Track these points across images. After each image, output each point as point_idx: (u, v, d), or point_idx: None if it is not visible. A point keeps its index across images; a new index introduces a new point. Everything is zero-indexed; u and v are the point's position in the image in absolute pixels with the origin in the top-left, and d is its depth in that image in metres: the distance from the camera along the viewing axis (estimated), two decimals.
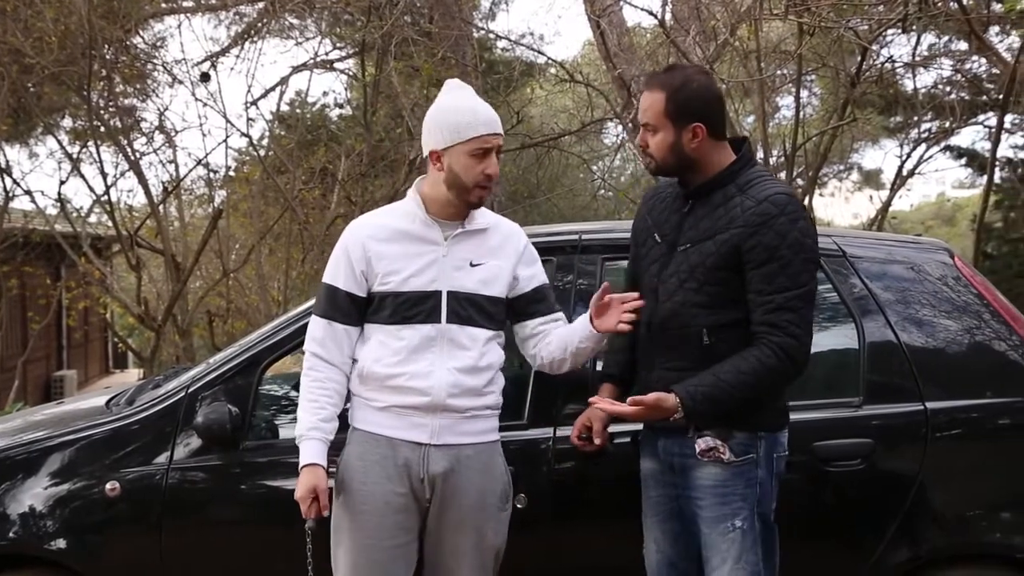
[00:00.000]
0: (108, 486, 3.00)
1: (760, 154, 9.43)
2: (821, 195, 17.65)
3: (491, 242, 2.85)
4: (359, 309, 2.79)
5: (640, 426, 2.86)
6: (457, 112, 2.74)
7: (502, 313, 2.86)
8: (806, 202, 9.78)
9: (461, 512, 2.75)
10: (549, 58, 11.31)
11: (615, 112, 9.50)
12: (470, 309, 2.76)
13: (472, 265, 2.79)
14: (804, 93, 10.25)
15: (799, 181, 9.29)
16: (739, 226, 2.56)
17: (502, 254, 2.85)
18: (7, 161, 10.85)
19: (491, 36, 12.47)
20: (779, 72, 9.77)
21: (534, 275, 2.91)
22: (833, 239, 3.30)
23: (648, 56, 9.82)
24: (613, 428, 2.92)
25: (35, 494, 3.02)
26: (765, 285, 2.54)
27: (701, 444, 2.60)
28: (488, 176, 2.74)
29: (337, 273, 2.80)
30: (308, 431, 2.72)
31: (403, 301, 2.73)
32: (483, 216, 2.87)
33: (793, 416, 2.80)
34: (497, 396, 2.85)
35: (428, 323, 2.73)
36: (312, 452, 2.69)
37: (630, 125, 9.43)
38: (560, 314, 2.94)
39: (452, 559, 2.76)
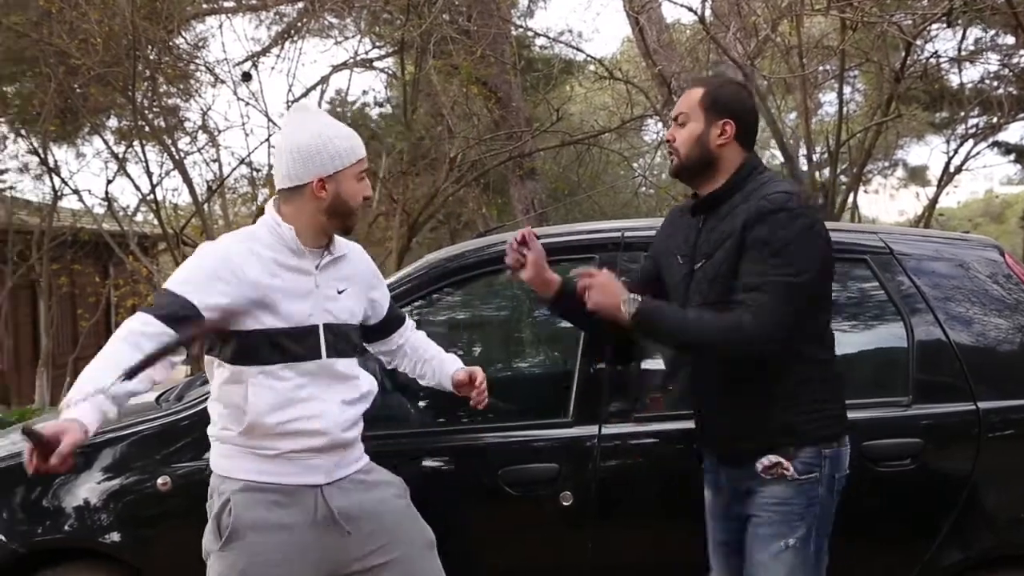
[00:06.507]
0: (160, 481, 3.03)
1: (803, 151, 9.35)
2: (866, 192, 17.47)
3: (349, 267, 2.76)
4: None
5: (690, 423, 2.85)
6: (341, 135, 2.62)
7: (361, 337, 2.83)
8: (850, 199, 9.70)
9: (384, 532, 2.68)
10: (588, 55, 11.34)
11: (655, 109, 9.48)
12: (343, 341, 2.68)
13: (339, 292, 2.69)
14: (847, 89, 10.17)
15: (843, 178, 9.21)
16: (740, 227, 2.51)
17: (358, 280, 2.78)
18: (55, 161, 11.06)
19: (529, 34, 12.49)
20: (821, 68, 9.70)
21: (384, 293, 2.90)
22: (880, 236, 3.28)
23: (688, 52, 9.79)
24: (668, 426, 2.90)
25: (89, 488, 3.06)
26: (749, 266, 2.48)
27: (764, 461, 2.55)
28: (367, 198, 2.70)
29: (206, 291, 2.48)
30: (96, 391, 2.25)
31: (284, 339, 2.57)
32: (336, 241, 2.74)
33: None
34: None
35: (310, 360, 2.59)
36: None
37: (670, 122, 9.40)
38: (406, 320, 2.99)
39: (404, 573, 2.69)
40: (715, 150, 2.62)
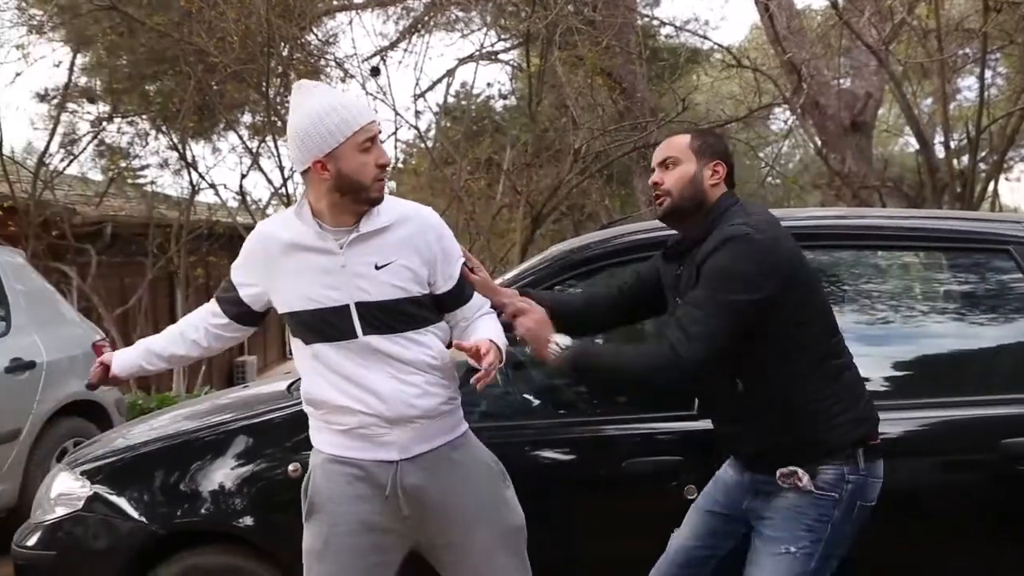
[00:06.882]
0: (290, 467, 3.10)
1: (940, 137, 9.02)
2: (1007, 179, 16.80)
3: (399, 236, 2.59)
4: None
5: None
6: (332, 110, 2.50)
7: (428, 306, 2.65)
8: (990, 187, 9.31)
9: (465, 511, 2.63)
10: (715, 43, 11.16)
11: (784, 97, 9.29)
12: (385, 316, 2.56)
13: (378, 268, 2.56)
14: (988, 73, 9.74)
15: (982, 165, 8.85)
16: (697, 267, 2.54)
17: (410, 249, 2.59)
18: (193, 156, 11.49)
19: (655, 23, 12.37)
20: (961, 52, 9.34)
21: (450, 273, 2.67)
22: (1022, 226, 3.15)
23: (819, 39, 9.56)
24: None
25: (224, 474, 3.17)
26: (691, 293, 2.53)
27: (784, 470, 2.54)
28: (382, 167, 2.54)
29: (245, 280, 2.74)
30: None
31: (310, 319, 2.57)
32: (388, 211, 2.60)
33: (979, 412, 2.67)
34: (455, 384, 2.69)
35: (345, 339, 2.55)
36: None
37: (799, 111, 9.19)
38: (483, 307, 2.76)
39: (481, 557, 2.65)
40: (707, 190, 2.67)
